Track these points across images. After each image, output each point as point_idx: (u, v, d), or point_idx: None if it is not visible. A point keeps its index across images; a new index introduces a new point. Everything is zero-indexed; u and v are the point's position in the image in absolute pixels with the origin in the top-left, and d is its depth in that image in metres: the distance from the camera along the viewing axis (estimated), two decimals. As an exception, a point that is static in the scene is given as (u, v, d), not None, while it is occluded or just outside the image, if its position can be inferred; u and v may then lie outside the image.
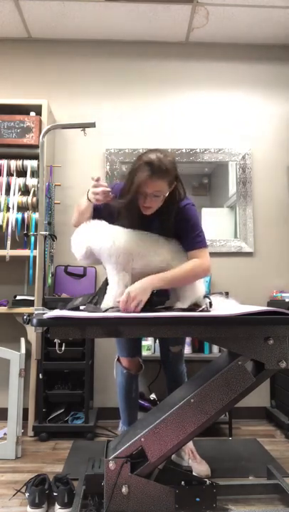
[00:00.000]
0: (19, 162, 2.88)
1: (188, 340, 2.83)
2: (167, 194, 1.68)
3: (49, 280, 2.84)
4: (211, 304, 1.57)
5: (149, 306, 1.58)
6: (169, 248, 1.68)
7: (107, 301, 1.59)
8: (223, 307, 1.64)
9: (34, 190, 2.85)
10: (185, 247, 1.74)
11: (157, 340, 2.79)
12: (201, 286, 1.72)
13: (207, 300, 1.63)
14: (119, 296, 1.55)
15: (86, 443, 2.51)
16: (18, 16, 2.99)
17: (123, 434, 1.78)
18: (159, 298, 1.60)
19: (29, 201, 2.84)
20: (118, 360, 2.13)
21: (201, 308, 1.58)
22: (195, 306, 1.63)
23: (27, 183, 2.86)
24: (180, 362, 2.17)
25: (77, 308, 1.57)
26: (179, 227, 1.75)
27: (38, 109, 2.91)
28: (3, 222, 2.78)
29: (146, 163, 1.59)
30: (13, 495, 1.84)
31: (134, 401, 2.16)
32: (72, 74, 3.24)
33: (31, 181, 2.86)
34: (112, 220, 1.76)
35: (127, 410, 2.13)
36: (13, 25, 3.09)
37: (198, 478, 1.71)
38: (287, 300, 2.79)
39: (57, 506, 1.69)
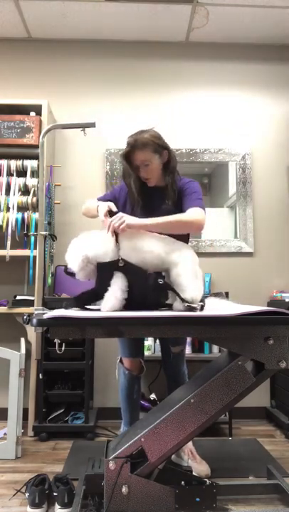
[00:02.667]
0: (19, 162, 2.89)
1: (188, 340, 2.83)
2: (160, 163, 1.90)
3: (49, 280, 2.84)
4: (202, 307, 1.56)
5: (155, 302, 1.58)
6: (163, 245, 1.67)
7: (106, 299, 1.58)
8: (221, 307, 1.63)
9: (34, 190, 2.85)
10: (184, 208, 1.85)
11: (158, 341, 2.79)
12: (200, 282, 1.71)
13: (200, 303, 1.62)
14: (120, 290, 1.55)
15: (86, 443, 2.51)
16: (18, 16, 2.99)
17: (123, 434, 1.78)
18: (164, 282, 1.58)
19: (29, 201, 2.84)
20: (120, 361, 2.13)
21: (192, 305, 1.55)
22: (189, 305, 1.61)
23: (27, 183, 2.86)
24: (181, 362, 2.17)
25: (82, 305, 1.57)
26: (182, 199, 1.91)
27: (38, 109, 2.91)
28: (3, 222, 2.78)
29: (127, 143, 1.87)
30: (13, 495, 1.84)
31: (136, 402, 2.16)
32: (72, 74, 3.24)
33: (31, 181, 2.86)
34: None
35: (128, 411, 2.13)
36: (13, 25, 3.09)
37: (198, 478, 1.71)
38: (287, 300, 2.79)
39: (57, 506, 1.69)
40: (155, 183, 1.95)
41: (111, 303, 1.55)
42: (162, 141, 1.91)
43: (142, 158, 1.87)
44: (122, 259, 1.56)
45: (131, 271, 1.57)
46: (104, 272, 1.56)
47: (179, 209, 1.88)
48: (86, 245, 1.63)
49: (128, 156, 1.88)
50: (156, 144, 1.88)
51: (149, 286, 1.57)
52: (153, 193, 1.95)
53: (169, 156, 1.93)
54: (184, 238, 1.92)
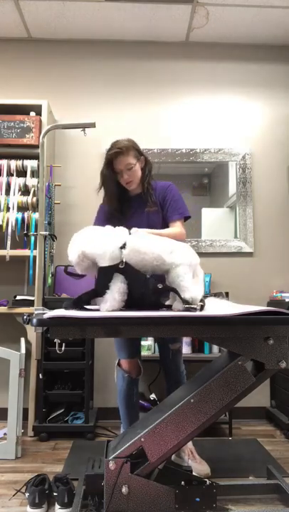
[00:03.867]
0: (19, 162, 2.89)
1: (188, 340, 2.83)
2: (139, 168, 2.07)
3: (49, 280, 2.84)
4: (202, 307, 1.56)
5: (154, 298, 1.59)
6: (164, 245, 1.67)
7: (106, 298, 1.57)
8: (221, 307, 1.63)
9: (34, 190, 2.85)
10: (168, 216, 2.08)
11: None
12: (201, 282, 1.71)
13: (200, 303, 1.61)
14: (118, 291, 1.54)
15: (86, 443, 2.51)
16: (18, 16, 2.99)
17: (123, 434, 1.78)
18: (164, 286, 1.59)
19: (29, 201, 2.84)
20: (118, 364, 2.13)
21: (192, 306, 1.55)
22: (188, 305, 1.61)
23: (27, 183, 2.86)
24: (180, 360, 2.17)
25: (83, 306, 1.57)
26: (163, 203, 2.11)
27: (38, 109, 2.91)
28: (3, 222, 2.78)
29: (111, 149, 2.04)
30: (13, 495, 1.84)
31: (136, 405, 2.15)
32: (72, 74, 3.24)
33: (31, 181, 2.86)
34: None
35: (128, 415, 2.12)
36: (13, 25, 3.09)
37: (198, 478, 1.71)
38: (287, 300, 2.79)
39: (57, 506, 1.69)
40: (135, 186, 2.11)
41: (110, 304, 1.55)
42: (139, 148, 2.12)
43: (126, 162, 2.03)
44: (124, 261, 1.55)
45: (131, 273, 1.57)
46: (104, 275, 1.56)
47: (160, 211, 2.09)
48: (85, 241, 1.62)
49: (111, 161, 2.04)
50: (135, 150, 2.08)
51: (149, 289, 1.56)
52: (132, 199, 2.14)
53: (145, 161, 2.12)
54: None
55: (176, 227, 2.07)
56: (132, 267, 1.55)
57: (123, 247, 1.55)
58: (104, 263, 1.56)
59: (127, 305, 1.60)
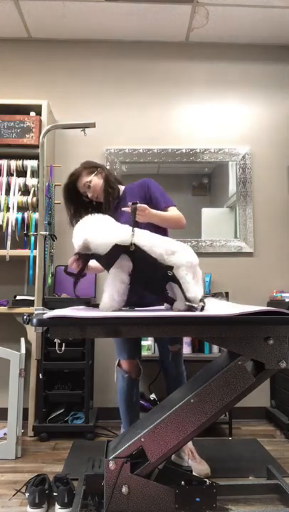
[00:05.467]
0: (19, 162, 2.89)
1: (188, 340, 2.83)
2: (100, 180, 2.13)
3: (49, 280, 2.84)
4: (203, 308, 1.56)
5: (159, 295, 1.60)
6: (165, 245, 1.66)
7: (105, 299, 1.57)
8: (221, 307, 1.63)
9: (34, 190, 2.86)
10: (161, 206, 2.06)
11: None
12: (201, 283, 1.71)
13: (201, 303, 1.61)
14: (118, 292, 1.54)
15: (86, 443, 2.51)
16: (18, 16, 2.99)
17: (123, 434, 1.78)
18: (172, 274, 1.60)
19: (29, 201, 2.84)
20: (118, 364, 2.13)
21: (193, 305, 1.55)
22: (189, 306, 1.61)
23: (27, 183, 2.86)
24: (180, 361, 2.17)
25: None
26: (149, 199, 2.11)
27: (38, 109, 2.91)
28: (3, 222, 2.78)
29: (68, 178, 2.17)
30: (13, 495, 1.84)
31: (136, 405, 2.15)
32: (72, 74, 3.24)
33: (31, 181, 2.86)
34: None
35: (128, 415, 2.12)
36: (13, 25, 3.09)
37: (198, 478, 1.71)
38: (287, 300, 2.79)
39: (57, 506, 1.69)
40: (103, 198, 2.15)
41: (109, 304, 1.55)
42: (92, 163, 2.20)
43: (82, 183, 2.13)
44: (133, 243, 1.55)
45: (140, 257, 1.56)
46: (112, 255, 1.56)
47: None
48: (93, 231, 1.60)
49: (74, 188, 2.14)
50: (87, 168, 2.16)
51: (158, 275, 1.56)
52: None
53: (104, 171, 2.17)
54: (165, 233, 2.01)
55: (174, 211, 2.08)
56: (141, 249, 1.55)
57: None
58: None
59: (131, 287, 1.59)
